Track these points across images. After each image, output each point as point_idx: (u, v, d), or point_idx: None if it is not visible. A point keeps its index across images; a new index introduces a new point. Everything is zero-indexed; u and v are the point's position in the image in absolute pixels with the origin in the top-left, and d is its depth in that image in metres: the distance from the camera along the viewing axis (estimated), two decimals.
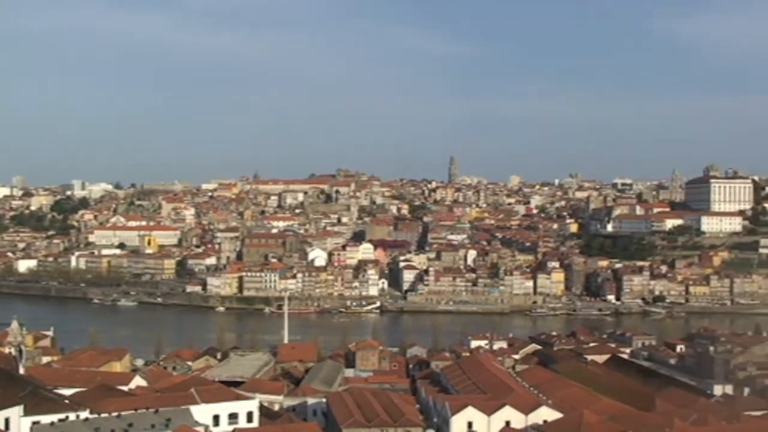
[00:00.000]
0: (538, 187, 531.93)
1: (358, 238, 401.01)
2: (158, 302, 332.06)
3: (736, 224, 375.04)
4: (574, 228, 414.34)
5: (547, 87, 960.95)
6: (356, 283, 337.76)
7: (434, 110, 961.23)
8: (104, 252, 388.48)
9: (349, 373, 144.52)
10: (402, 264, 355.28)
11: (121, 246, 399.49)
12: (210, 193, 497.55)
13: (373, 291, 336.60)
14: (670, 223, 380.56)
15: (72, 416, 79.16)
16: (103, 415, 79.50)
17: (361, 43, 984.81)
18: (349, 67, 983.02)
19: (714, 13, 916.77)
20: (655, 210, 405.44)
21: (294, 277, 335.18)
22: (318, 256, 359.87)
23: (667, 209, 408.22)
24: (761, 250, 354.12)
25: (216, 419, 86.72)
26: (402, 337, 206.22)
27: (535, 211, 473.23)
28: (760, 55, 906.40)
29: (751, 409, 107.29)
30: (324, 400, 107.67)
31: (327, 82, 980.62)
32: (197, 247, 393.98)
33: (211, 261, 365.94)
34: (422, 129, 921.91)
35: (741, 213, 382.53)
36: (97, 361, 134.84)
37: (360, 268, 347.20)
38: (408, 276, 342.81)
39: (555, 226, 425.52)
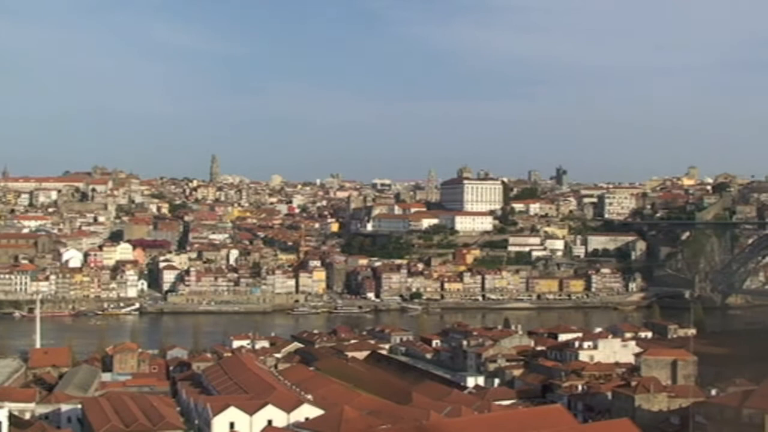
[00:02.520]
0: (300, 186, 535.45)
1: (115, 237, 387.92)
2: None
3: (487, 223, 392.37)
4: (335, 227, 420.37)
5: (307, 87, 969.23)
6: (114, 285, 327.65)
7: (195, 108, 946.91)
8: None
9: (107, 377, 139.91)
10: (162, 264, 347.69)
11: None
12: None
13: (132, 292, 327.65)
14: (426, 223, 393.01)
15: None
16: None
17: (121, 38, 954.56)
18: (108, 62, 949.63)
19: (467, 22, 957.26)
20: (413, 210, 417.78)
21: (47, 279, 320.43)
22: (73, 256, 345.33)
23: (424, 209, 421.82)
24: (510, 248, 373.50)
25: None
26: (162, 339, 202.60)
27: (297, 211, 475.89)
28: (508, 62, 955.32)
29: (501, 399, 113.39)
30: (79, 406, 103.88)
31: (84, 77, 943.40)
32: None
33: None
34: (183, 127, 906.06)
35: (491, 213, 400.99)
36: None
37: (118, 268, 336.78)
38: (168, 276, 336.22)
39: (317, 225, 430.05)
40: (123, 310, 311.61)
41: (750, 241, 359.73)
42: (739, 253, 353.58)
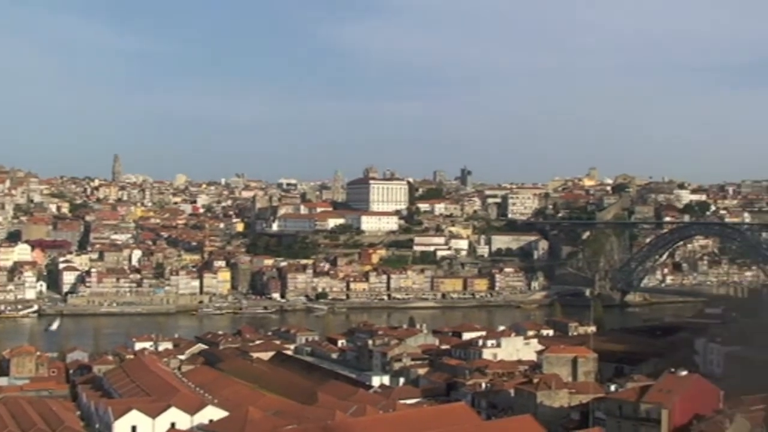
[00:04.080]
0: (204, 186, 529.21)
1: (13, 238, 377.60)
2: None
3: (392, 223, 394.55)
4: (240, 227, 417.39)
5: (213, 86, 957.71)
6: (11, 287, 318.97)
7: (98, 105, 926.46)
8: None
9: (3, 381, 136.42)
10: (62, 265, 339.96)
11: None
12: None
13: (30, 294, 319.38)
14: (332, 222, 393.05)
15: None
16: None
17: (21, 31, 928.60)
18: (5, 56, 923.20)
19: (373, 21, 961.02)
20: (319, 209, 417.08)
21: None
22: None
23: (330, 209, 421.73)
24: (415, 248, 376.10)
25: None
26: (62, 342, 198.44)
27: (201, 211, 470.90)
28: (414, 62, 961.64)
29: (406, 398, 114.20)
30: None
31: None
32: None
33: None
34: (84, 125, 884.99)
35: (397, 213, 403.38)
36: None
37: (15, 270, 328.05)
38: (69, 277, 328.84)
39: (221, 225, 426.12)
40: (21, 313, 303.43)
41: (648, 240, 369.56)
42: (637, 252, 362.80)
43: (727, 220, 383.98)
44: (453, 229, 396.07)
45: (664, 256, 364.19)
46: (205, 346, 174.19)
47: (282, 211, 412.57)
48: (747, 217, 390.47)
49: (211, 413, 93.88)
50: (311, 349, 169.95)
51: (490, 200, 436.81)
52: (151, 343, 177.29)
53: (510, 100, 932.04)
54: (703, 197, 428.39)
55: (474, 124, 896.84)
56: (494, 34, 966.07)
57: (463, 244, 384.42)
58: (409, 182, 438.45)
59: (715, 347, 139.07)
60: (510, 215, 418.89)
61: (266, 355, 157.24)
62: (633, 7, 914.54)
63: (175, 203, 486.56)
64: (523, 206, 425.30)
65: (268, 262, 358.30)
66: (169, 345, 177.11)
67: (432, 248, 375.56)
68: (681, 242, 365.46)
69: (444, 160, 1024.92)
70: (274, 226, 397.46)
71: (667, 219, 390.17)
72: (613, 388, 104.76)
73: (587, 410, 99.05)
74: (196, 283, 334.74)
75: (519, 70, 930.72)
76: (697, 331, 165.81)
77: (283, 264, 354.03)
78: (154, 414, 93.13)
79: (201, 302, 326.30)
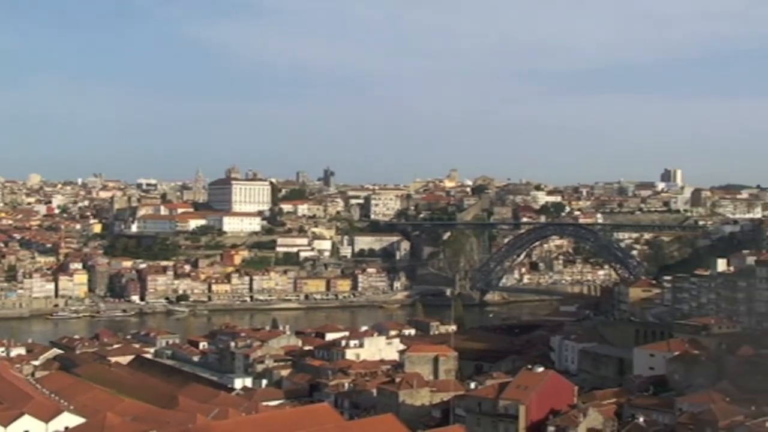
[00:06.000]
0: (60, 186, 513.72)
1: None
2: None
3: (255, 224, 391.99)
4: (98, 228, 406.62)
5: (68, 83, 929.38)
6: None
7: None
8: None
9: None
10: None
11: None
12: None
13: None
14: (193, 224, 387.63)
15: None
16: None
17: None
18: None
19: (237, 21, 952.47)
20: (179, 210, 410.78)
21: None
22: None
23: (191, 210, 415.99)
24: (278, 249, 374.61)
25: None
26: None
27: (57, 211, 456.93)
28: (276, 63, 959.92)
29: (269, 400, 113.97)
30: None
31: None
32: None
33: None
34: None
35: (260, 213, 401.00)
36: None
37: None
38: None
39: (78, 226, 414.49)
40: None
41: (506, 240, 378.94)
42: (496, 252, 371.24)
43: (581, 220, 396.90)
44: (316, 230, 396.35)
45: (522, 256, 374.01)
46: (61, 351, 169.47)
47: (141, 212, 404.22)
48: (599, 218, 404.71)
49: (67, 420, 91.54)
50: (172, 352, 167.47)
51: (353, 201, 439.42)
52: (2, 348, 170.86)
53: (371, 102, 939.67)
54: (559, 199, 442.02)
55: (336, 126, 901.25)
56: (358, 38, 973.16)
57: (326, 245, 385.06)
58: (271, 183, 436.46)
59: (569, 344, 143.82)
60: (373, 216, 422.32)
61: (125, 359, 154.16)
62: (479, 13, 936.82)
63: (29, 204, 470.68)
64: (385, 207, 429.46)
65: (127, 264, 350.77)
66: (21, 350, 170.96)
67: (295, 249, 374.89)
68: (537, 242, 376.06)
69: (307, 160, 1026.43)
70: (134, 228, 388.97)
71: (525, 220, 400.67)
72: (473, 385, 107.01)
73: (448, 408, 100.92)
74: (51, 286, 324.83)
75: (379, 72, 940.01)
76: (552, 328, 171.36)
77: (143, 266, 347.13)
78: (5, 422, 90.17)
79: (56, 306, 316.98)
